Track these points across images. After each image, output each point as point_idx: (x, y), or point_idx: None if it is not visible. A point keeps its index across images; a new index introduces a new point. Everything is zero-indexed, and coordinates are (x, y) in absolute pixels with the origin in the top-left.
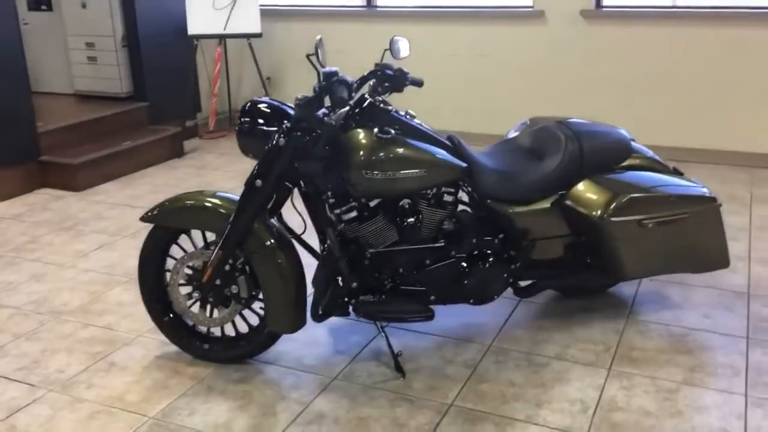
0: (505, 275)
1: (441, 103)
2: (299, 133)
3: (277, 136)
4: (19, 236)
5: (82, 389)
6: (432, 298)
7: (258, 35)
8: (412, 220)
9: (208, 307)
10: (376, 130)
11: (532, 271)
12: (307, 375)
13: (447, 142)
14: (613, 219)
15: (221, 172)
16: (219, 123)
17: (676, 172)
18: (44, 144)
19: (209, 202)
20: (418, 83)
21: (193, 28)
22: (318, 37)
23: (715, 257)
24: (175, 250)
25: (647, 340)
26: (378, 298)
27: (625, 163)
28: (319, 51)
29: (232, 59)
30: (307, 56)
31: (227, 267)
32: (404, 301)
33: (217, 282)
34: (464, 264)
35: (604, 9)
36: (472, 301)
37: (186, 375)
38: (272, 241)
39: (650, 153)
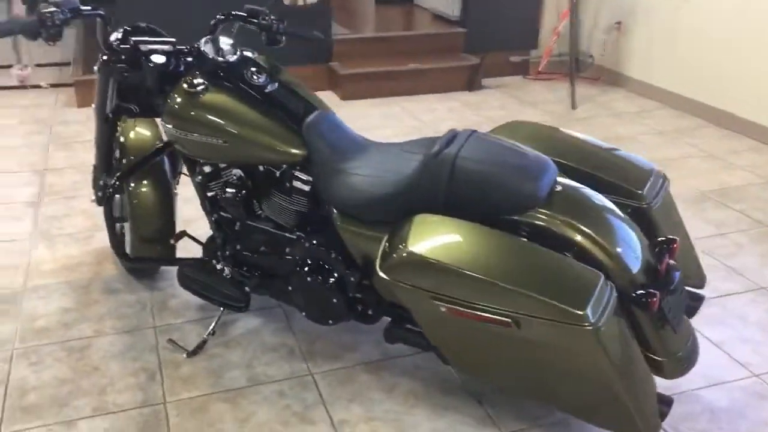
0: (335, 300)
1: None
2: (116, 66)
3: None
4: None
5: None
6: (246, 288)
7: None
8: (231, 192)
9: None
10: (189, 81)
11: (391, 310)
12: (131, 316)
13: (287, 121)
14: (392, 277)
15: (481, 114)
16: (552, 65)
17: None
18: (339, 50)
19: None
20: (311, 38)
21: None
22: None
23: (606, 411)
24: None
25: None
26: (220, 268)
27: (526, 218)
28: None
29: None
30: None
31: (101, 183)
32: (224, 281)
33: (108, 193)
34: (305, 268)
35: None
36: (303, 313)
37: (82, 266)
38: (135, 172)
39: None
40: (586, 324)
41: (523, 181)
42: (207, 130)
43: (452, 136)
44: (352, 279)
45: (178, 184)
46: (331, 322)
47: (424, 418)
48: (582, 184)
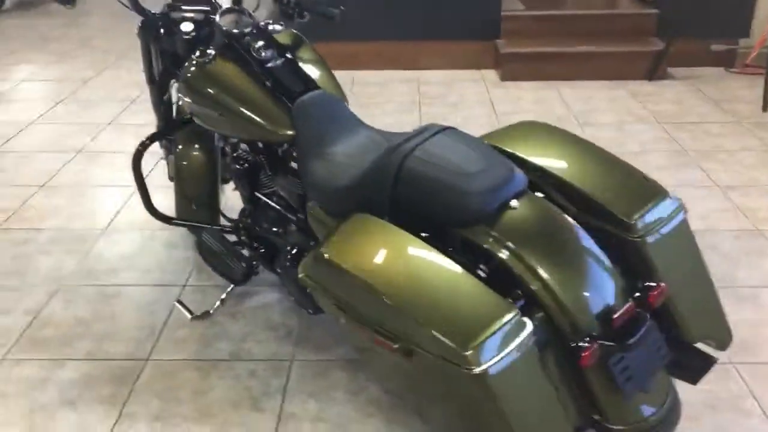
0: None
1: None
2: (150, 31)
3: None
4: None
5: None
6: (245, 264)
7: None
8: (237, 166)
9: None
10: (201, 51)
11: None
12: (171, 272)
13: (281, 99)
14: (304, 273)
15: (647, 108)
16: (762, 58)
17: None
18: (508, 27)
19: None
20: (326, 14)
21: None
22: None
23: None
24: None
25: None
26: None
27: (468, 235)
28: None
29: None
30: None
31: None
32: (230, 253)
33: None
34: (292, 252)
35: None
36: (292, 298)
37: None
38: (181, 136)
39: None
40: (473, 366)
41: (469, 191)
42: (205, 101)
43: (421, 130)
44: None
45: None
46: (310, 311)
47: (372, 430)
48: (572, 202)
